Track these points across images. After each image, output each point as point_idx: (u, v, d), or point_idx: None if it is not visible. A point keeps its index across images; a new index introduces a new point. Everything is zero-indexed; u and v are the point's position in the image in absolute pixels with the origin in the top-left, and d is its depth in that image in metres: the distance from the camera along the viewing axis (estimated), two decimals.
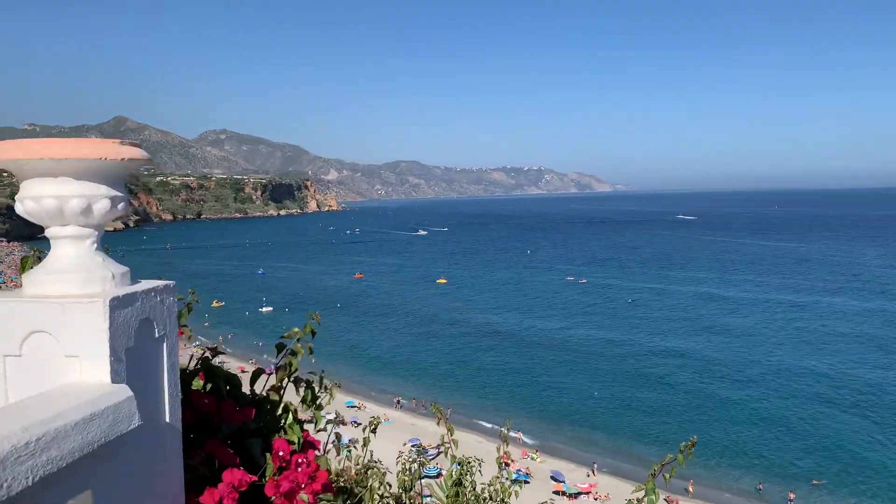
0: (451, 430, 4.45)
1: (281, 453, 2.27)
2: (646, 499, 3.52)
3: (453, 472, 4.39)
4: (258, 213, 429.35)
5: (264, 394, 2.63)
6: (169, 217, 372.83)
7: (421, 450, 5.53)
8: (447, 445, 4.36)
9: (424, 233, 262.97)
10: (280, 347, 2.85)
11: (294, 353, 2.83)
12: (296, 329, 2.91)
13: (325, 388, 3.08)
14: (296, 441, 2.42)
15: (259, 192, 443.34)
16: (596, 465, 44.85)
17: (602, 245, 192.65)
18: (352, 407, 54.23)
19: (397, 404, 58.10)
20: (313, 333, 2.95)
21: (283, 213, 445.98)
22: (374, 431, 4.43)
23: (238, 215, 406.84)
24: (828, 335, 76.49)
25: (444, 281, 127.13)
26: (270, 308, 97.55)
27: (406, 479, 4.50)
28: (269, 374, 2.79)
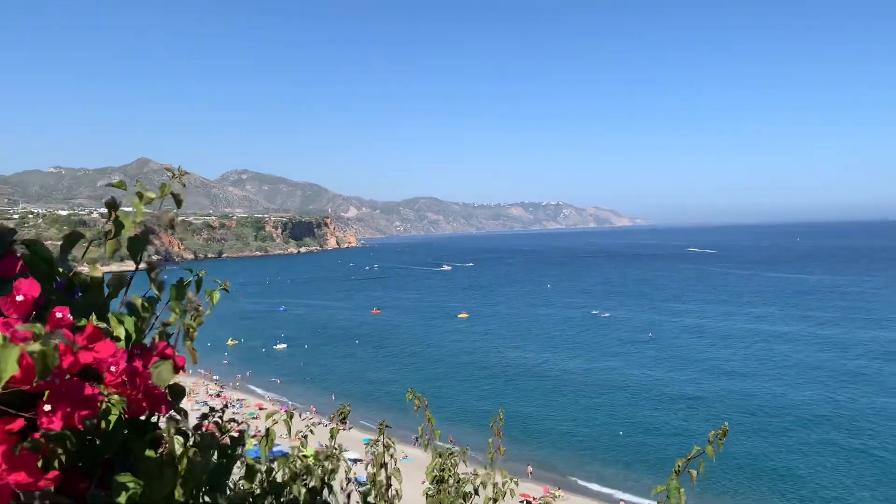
0: (431, 421, 3.87)
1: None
2: (670, 501, 2.82)
3: (435, 466, 3.72)
4: (278, 251, 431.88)
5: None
6: (190, 256, 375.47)
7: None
8: (426, 438, 3.82)
9: (449, 268, 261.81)
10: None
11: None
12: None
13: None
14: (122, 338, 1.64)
15: (279, 230, 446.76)
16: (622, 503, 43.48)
17: (623, 279, 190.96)
18: (368, 444, 53.09)
19: (416, 441, 57.00)
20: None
21: (302, 250, 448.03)
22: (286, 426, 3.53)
23: (258, 253, 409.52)
24: (862, 369, 74.13)
25: (465, 315, 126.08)
26: (284, 345, 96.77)
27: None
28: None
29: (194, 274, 1.94)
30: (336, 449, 3.46)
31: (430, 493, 3.84)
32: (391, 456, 4.13)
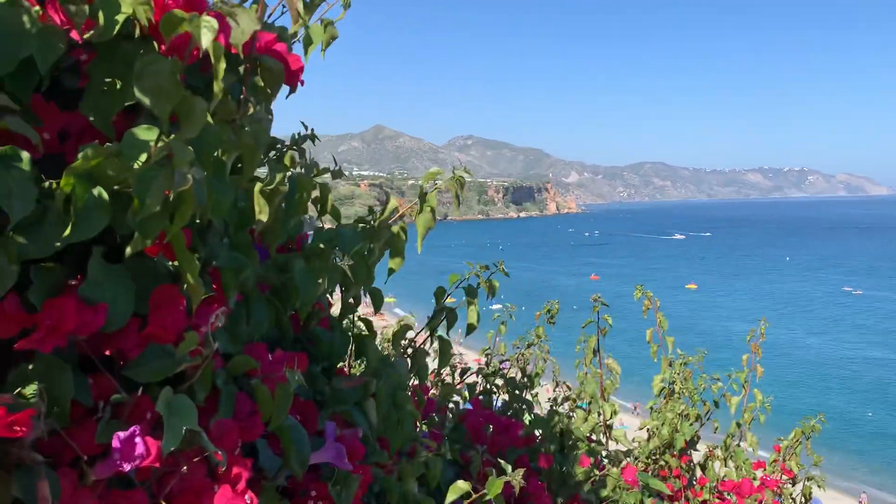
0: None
1: None
2: None
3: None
4: (499, 215, 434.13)
5: None
6: None
7: None
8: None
9: (682, 237, 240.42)
10: None
11: None
12: None
13: None
14: None
15: (500, 195, 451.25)
16: (865, 496, 30.06)
17: (880, 253, 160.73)
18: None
19: (635, 410, 45.92)
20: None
21: (522, 214, 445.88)
22: None
23: (480, 217, 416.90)
24: None
25: (693, 286, 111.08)
26: (499, 305, 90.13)
27: None
28: None
29: None
30: None
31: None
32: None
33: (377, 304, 1.79)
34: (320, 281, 1.16)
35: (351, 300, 1.68)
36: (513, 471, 1.45)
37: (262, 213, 1.02)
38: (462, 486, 1.34)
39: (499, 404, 3.12)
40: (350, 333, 1.59)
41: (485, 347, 3.57)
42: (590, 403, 2.76)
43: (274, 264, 1.19)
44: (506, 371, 3.25)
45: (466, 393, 3.08)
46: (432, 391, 2.60)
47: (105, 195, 0.76)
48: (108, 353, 0.87)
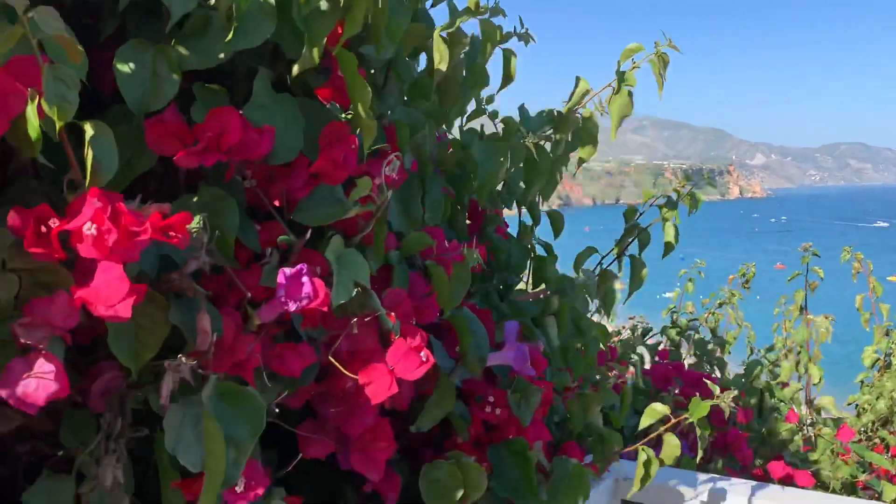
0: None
1: None
2: None
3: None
4: None
5: None
6: (588, 202, 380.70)
7: None
8: None
9: (885, 224, 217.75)
10: None
11: None
12: None
13: None
14: None
15: (678, 178, 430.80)
16: None
17: None
18: None
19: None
20: None
21: (703, 198, 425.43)
22: None
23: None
24: None
25: (895, 279, 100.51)
26: (674, 293, 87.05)
27: None
28: None
29: None
30: None
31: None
32: None
33: (557, 228, 1.65)
34: (502, 159, 1.03)
35: (530, 222, 1.55)
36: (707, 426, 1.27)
37: (442, 61, 0.91)
38: (659, 408, 1.17)
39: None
40: (530, 248, 1.46)
41: (670, 306, 3.33)
42: (797, 358, 2.44)
43: (452, 144, 1.08)
44: (693, 334, 2.99)
45: (646, 354, 2.87)
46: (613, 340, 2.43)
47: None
48: (276, 202, 0.80)
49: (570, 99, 1.23)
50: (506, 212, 1.58)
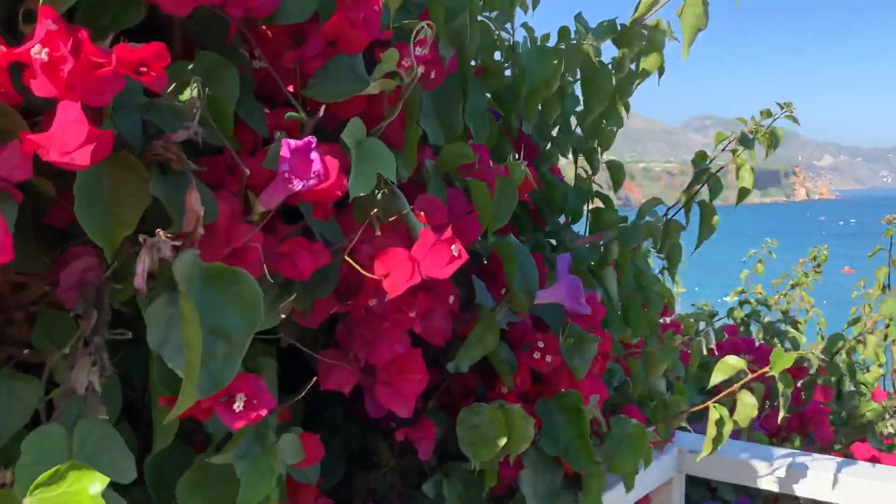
0: None
1: None
2: None
3: None
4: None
5: None
6: None
7: None
8: None
9: None
10: None
11: None
12: None
13: None
14: None
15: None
16: None
17: None
18: None
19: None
20: None
21: (766, 200, 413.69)
22: None
23: (718, 201, 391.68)
24: None
25: None
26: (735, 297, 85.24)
27: None
28: None
29: None
30: None
31: None
32: None
33: (617, 180, 1.50)
34: (555, 62, 0.90)
35: (586, 171, 1.42)
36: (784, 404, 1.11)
37: None
38: (734, 362, 1.02)
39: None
40: (587, 191, 1.32)
41: (738, 288, 3.14)
42: (885, 331, 2.23)
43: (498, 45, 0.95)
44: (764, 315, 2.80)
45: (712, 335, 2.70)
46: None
47: None
48: (290, 87, 0.68)
49: (635, 10, 1.10)
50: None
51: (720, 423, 1.02)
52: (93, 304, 0.57)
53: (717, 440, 1.03)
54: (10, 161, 0.46)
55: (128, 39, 0.52)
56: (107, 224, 0.53)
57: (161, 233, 0.52)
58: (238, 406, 0.60)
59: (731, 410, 1.08)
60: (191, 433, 0.77)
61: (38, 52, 0.45)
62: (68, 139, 0.46)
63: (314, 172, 0.57)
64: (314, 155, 0.58)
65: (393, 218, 0.67)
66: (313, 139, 0.58)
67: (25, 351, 0.58)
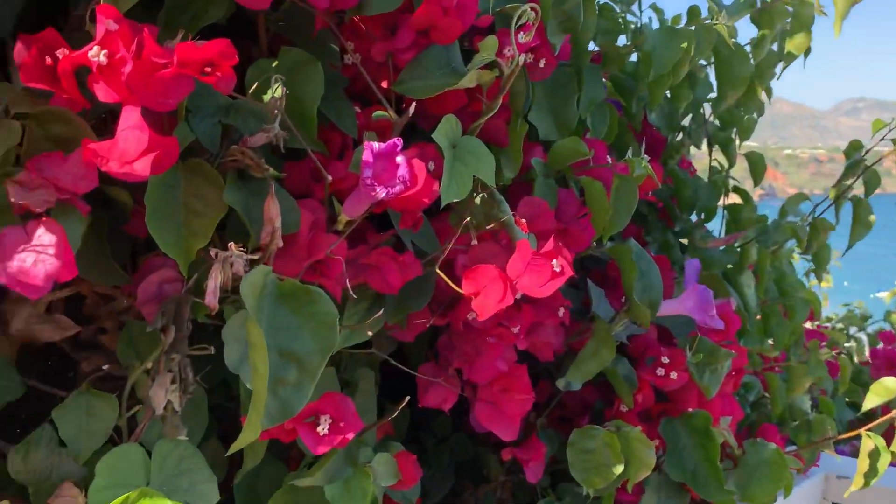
0: None
1: None
2: None
3: None
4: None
5: None
6: (794, 191, 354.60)
7: None
8: None
9: None
10: None
11: None
12: None
13: None
14: None
15: None
16: None
17: None
18: None
19: None
20: None
21: None
22: None
23: (877, 191, 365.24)
24: None
25: None
26: (887, 293, 79.18)
27: None
28: None
29: None
30: None
31: None
32: None
33: (757, 173, 1.36)
34: (685, 44, 0.80)
35: (721, 163, 1.29)
36: None
37: None
38: (891, 385, 0.89)
39: None
40: (721, 185, 1.20)
41: (894, 289, 2.84)
42: None
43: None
44: None
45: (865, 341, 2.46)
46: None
47: None
48: (384, 83, 0.63)
49: None
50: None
51: (874, 454, 0.89)
52: (171, 318, 0.54)
53: (870, 474, 0.89)
54: (74, 171, 0.44)
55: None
56: (180, 235, 0.50)
57: (233, 246, 0.48)
58: (323, 429, 0.56)
59: (888, 438, 0.94)
60: (285, 447, 0.74)
61: (96, 55, 0.41)
62: (129, 148, 0.42)
63: (399, 178, 0.52)
64: (400, 159, 0.52)
65: (492, 225, 0.60)
66: (399, 141, 0.52)
67: (105, 366, 0.56)
